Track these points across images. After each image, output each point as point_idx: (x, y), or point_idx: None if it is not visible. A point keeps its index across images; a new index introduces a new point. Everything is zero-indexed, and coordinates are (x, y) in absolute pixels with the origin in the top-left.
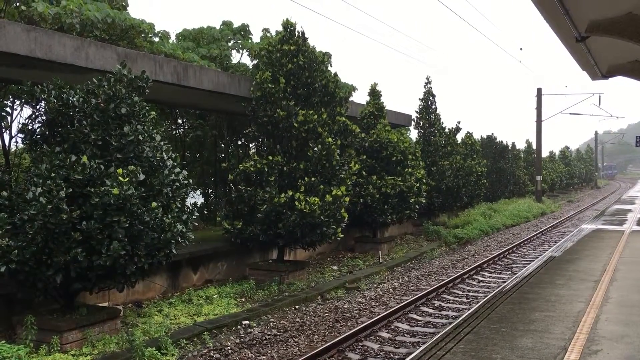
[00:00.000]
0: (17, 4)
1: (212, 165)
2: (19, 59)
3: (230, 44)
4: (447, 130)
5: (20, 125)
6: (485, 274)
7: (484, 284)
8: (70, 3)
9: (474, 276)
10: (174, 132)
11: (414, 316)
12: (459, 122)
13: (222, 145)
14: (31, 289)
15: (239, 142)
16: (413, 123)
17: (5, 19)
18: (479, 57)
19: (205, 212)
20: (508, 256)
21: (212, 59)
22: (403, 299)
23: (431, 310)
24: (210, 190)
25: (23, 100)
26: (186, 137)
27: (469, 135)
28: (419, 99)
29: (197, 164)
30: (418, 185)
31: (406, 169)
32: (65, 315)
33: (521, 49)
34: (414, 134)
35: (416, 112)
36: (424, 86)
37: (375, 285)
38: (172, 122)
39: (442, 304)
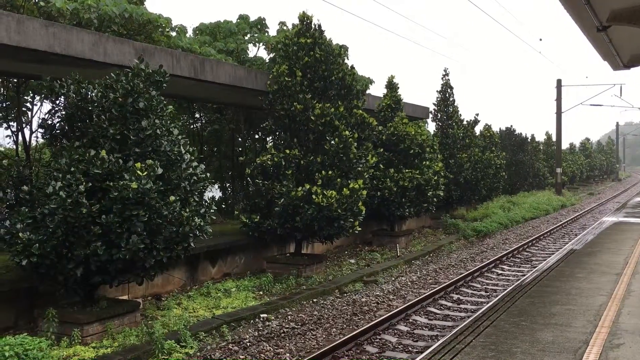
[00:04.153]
0: (36, 0)
1: (230, 159)
2: (39, 55)
3: (246, 38)
4: (465, 122)
5: (40, 121)
6: (505, 267)
7: (503, 278)
8: None
9: (493, 269)
10: (192, 127)
11: (433, 309)
12: (477, 115)
13: (240, 139)
14: (52, 282)
15: (256, 136)
16: (431, 116)
17: (25, 15)
18: (498, 49)
19: (223, 206)
20: (527, 249)
21: (229, 53)
22: (421, 292)
23: (450, 304)
24: (227, 184)
25: (42, 96)
26: (204, 131)
27: (487, 128)
28: (437, 91)
29: (214, 158)
30: (436, 178)
31: (424, 162)
32: (85, 308)
33: (540, 40)
34: (431, 126)
35: (434, 104)
36: (442, 78)
37: (393, 279)
38: (189, 117)
39: (461, 298)
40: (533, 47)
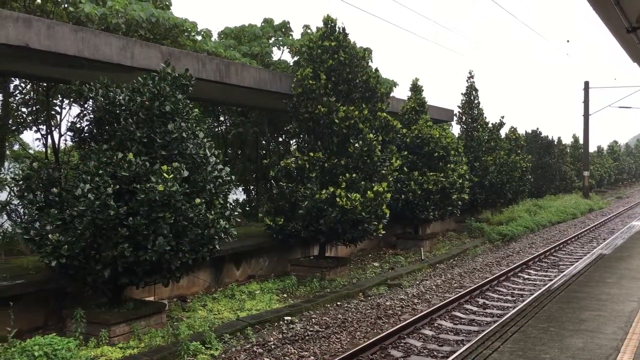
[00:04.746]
0: (65, 5)
1: (254, 161)
2: (68, 59)
3: (271, 41)
4: (490, 125)
5: (69, 124)
6: (531, 271)
7: (530, 282)
8: (116, 3)
9: (519, 274)
10: (216, 130)
11: (458, 314)
12: (502, 117)
13: (263, 142)
14: (80, 283)
15: (280, 139)
16: (455, 118)
17: (54, 20)
18: (524, 51)
19: (247, 208)
20: (555, 254)
21: (253, 57)
22: (446, 297)
23: (475, 308)
24: (251, 187)
25: (71, 99)
26: (228, 134)
27: (513, 130)
28: (462, 93)
29: (238, 160)
30: (461, 181)
31: (448, 165)
32: (112, 309)
33: (568, 41)
34: (456, 129)
35: (458, 107)
36: (467, 80)
37: (417, 282)
38: (214, 120)
39: (487, 302)
40: (560, 49)
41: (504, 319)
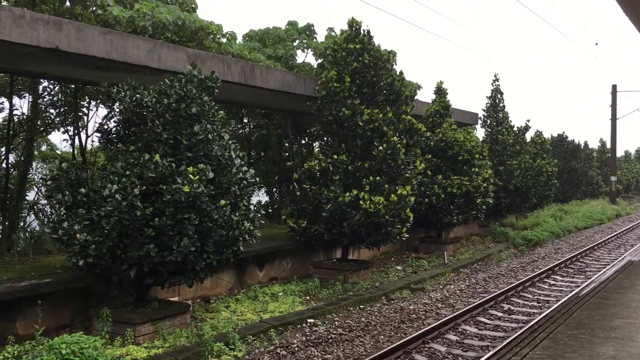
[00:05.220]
0: (94, 8)
1: (277, 164)
2: (96, 61)
3: (295, 44)
4: (515, 128)
5: (96, 125)
6: (557, 277)
7: (556, 288)
8: (143, 6)
9: (545, 280)
10: (240, 132)
11: (482, 319)
12: (528, 121)
13: (286, 144)
14: (107, 283)
15: (303, 141)
16: (480, 122)
17: (83, 22)
18: (551, 53)
19: (270, 211)
20: (581, 260)
21: (278, 59)
22: (470, 301)
23: (500, 314)
24: (274, 189)
25: (98, 101)
26: (251, 136)
27: (538, 134)
28: (486, 97)
29: (261, 162)
30: (485, 185)
31: (473, 169)
32: (138, 309)
33: (596, 44)
34: (480, 132)
35: (483, 110)
36: (492, 84)
37: (440, 287)
38: (237, 122)
39: (512, 308)
40: (588, 52)
41: (530, 325)
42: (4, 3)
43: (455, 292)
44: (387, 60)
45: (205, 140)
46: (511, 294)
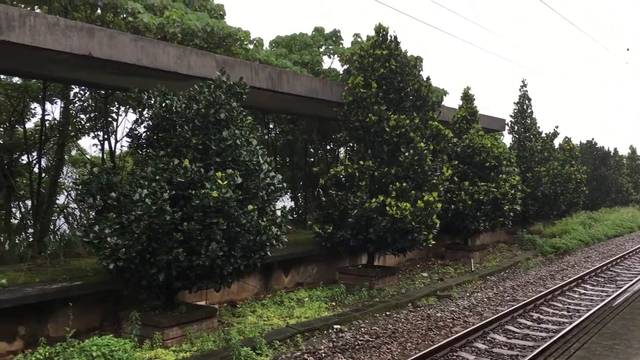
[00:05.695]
0: (124, 15)
1: (302, 169)
2: (127, 67)
3: (321, 50)
4: (543, 135)
5: (127, 130)
6: (587, 286)
7: (586, 297)
8: (173, 13)
9: (575, 289)
10: (266, 137)
11: (511, 328)
12: (556, 127)
13: (311, 150)
14: (136, 286)
15: (328, 147)
16: (507, 128)
17: (115, 30)
18: (579, 58)
19: (295, 216)
20: (612, 268)
21: (304, 65)
22: (498, 310)
23: (529, 323)
24: (299, 194)
25: (127, 107)
26: (277, 141)
27: (567, 141)
28: (514, 102)
29: (286, 168)
30: (513, 192)
31: (500, 175)
32: (166, 312)
33: (628, 50)
34: (507, 139)
35: (510, 116)
36: (520, 89)
37: (467, 294)
38: (263, 127)
39: (541, 317)
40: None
41: (560, 334)
42: (38, 10)
43: (483, 300)
44: (414, 66)
45: (234, 145)
46: (540, 302)
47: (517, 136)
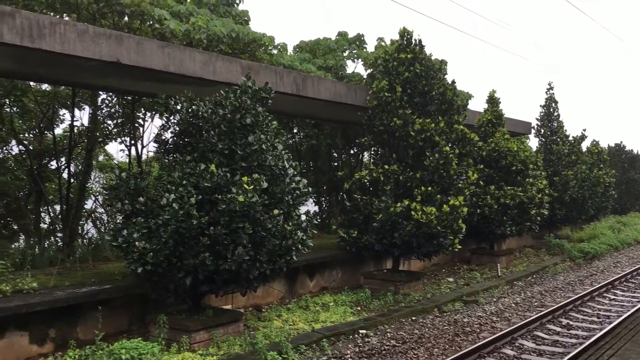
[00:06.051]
0: (151, 22)
1: (326, 173)
2: (154, 74)
3: (345, 54)
4: (570, 138)
5: (154, 136)
6: (617, 292)
7: (617, 303)
8: (199, 20)
9: (605, 294)
10: (290, 142)
11: (540, 334)
12: (584, 130)
13: (335, 154)
14: (163, 290)
15: (352, 151)
16: (533, 131)
17: (142, 36)
18: (608, 60)
19: (318, 220)
20: None
21: (328, 69)
22: (526, 315)
23: (558, 329)
24: (323, 199)
25: (154, 112)
26: (301, 146)
27: (595, 144)
28: (540, 105)
29: (310, 172)
30: (540, 196)
31: (527, 179)
32: (193, 316)
33: None
34: (533, 142)
35: (537, 119)
36: (546, 92)
37: (494, 300)
38: (287, 132)
39: (570, 323)
40: None
41: (590, 340)
42: (67, 18)
43: (510, 305)
44: (439, 70)
45: (259, 150)
46: (569, 308)
47: (543, 139)
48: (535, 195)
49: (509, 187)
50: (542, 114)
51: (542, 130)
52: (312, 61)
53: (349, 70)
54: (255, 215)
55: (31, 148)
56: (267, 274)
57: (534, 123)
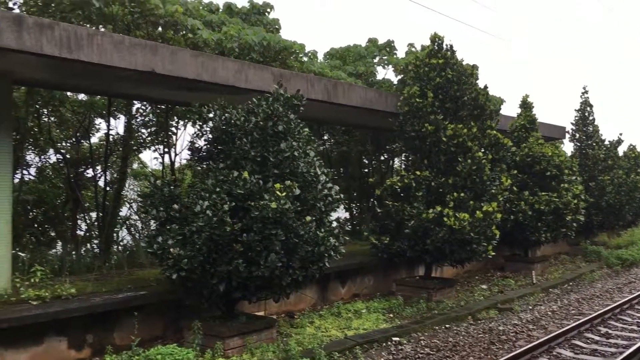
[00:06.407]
0: (184, 32)
1: (356, 180)
2: (188, 82)
3: (375, 61)
4: (607, 142)
5: (187, 144)
6: None
7: None
8: (231, 29)
9: None
10: (320, 148)
11: (578, 343)
12: (620, 134)
13: (365, 161)
14: (197, 296)
15: (382, 157)
16: (568, 136)
17: (176, 46)
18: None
19: (349, 227)
20: None
21: (358, 76)
22: (564, 324)
23: (597, 338)
24: (354, 205)
25: (186, 121)
26: (331, 152)
27: (632, 148)
28: (575, 109)
29: (341, 179)
30: (575, 201)
31: (562, 184)
32: (226, 322)
33: None
34: (568, 147)
35: (571, 123)
36: (581, 96)
37: (530, 307)
38: (318, 138)
39: (610, 332)
40: None
41: (631, 350)
42: (103, 29)
43: (547, 313)
44: (471, 75)
45: (291, 157)
46: (608, 316)
47: (578, 144)
48: (570, 200)
49: (543, 193)
50: (576, 118)
51: (577, 135)
52: (342, 68)
53: (379, 76)
54: (288, 222)
55: (68, 157)
56: (299, 280)
57: (569, 127)
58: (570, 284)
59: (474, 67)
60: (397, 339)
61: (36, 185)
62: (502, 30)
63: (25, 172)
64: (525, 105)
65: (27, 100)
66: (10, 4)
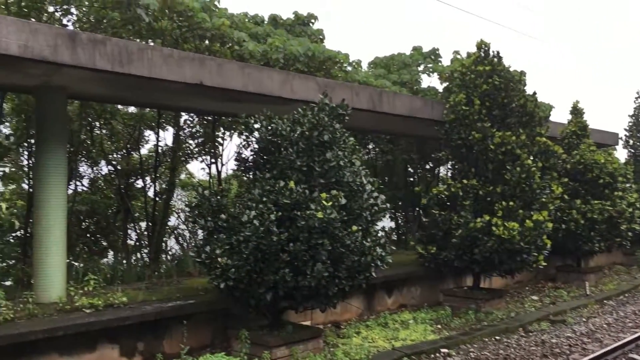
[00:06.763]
0: (230, 45)
1: (401, 189)
2: (234, 94)
3: (420, 69)
4: None
5: (231, 154)
6: None
7: None
8: (276, 40)
9: None
10: (365, 157)
11: (636, 357)
12: None
13: (410, 170)
14: (244, 305)
15: (427, 166)
16: (621, 142)
17: (223, 58)
18: None
19: (395, 236)
20: None
21: (403, 84)
22: (620, 337)
23: None
24: (399, 214)
25: (232, 132)
26: (376, 161)
27: None
28: (628, 115)
29: (386, 188)
30: (630, 210)
31: (615, 192)
32: (273, 332)
33: None
34: (621, 153)
35: (625, 129)
36: (634, 101)
37: (584, 320)
38: (363, 147)
39: None
40: None
41: None
42: (152, 43)
43: (602, 325)
44: (519, 81)
45: (337, 166)
46: None
47: (632, 151)
48: (625, 209)
49: (596, 201)
50: (630, 123)
51: (631, 141)
52: (386, 76)
53: (424, 84)
54: (334, 232)
55: (119, 168)
56: (346, 290)
57: (622, 134)
58: (626, 295)
59: (522, 74)
60: (445, 350)
61: (89, 196)
62: (550, 34)
63: (78, 183)
64: (576, 112)
65: (81, 114)
66: (65, 21)
